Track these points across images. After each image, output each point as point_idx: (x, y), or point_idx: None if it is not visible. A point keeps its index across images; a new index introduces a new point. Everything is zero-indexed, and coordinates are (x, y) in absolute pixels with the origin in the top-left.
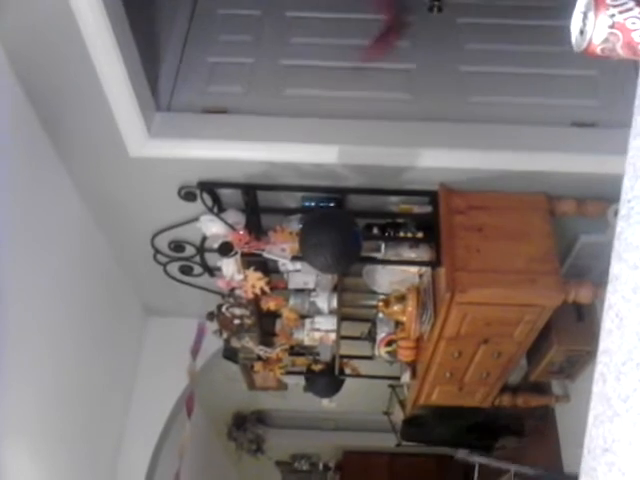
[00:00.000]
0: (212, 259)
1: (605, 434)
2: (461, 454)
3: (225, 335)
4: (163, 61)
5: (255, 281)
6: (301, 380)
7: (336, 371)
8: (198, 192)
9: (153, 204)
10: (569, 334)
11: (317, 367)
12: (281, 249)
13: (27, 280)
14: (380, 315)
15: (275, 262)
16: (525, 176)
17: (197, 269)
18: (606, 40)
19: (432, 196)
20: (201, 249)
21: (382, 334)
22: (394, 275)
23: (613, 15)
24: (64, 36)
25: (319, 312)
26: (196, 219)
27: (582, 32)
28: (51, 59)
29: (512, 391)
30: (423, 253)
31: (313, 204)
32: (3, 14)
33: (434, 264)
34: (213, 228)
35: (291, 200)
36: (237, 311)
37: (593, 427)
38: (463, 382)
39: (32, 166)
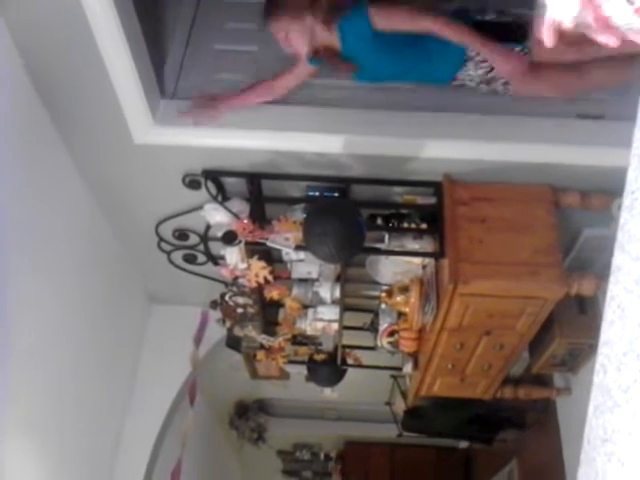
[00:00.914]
0: (216, 248)
1: (605, 424)
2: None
3: (228, 324)
4: (169, 48)
5: (258, 270)
6: (303, 370)
7: (338, 361)
8: (202, 180)
9: (157, 192)
10: (571, 327)
11: (319, 357)
12: (285, 238)
13: (29, 269)
14: (383, 306)
15: (279, 251)
16: (529, 168)
17: (201, 257)
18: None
19: (436, 187)
20: (205, 237)
21: (384, 325)
22: (397, 266)
23: None
24: (70, 22)
25: (322, 302)
26: (200, 207)
27: None
28: (57, 44)
29: (514, 383)
30: (426, 244)
31: (317, 194)
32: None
33: (437, 255)
34: (217, 217)
35: (295, 189)
36: (240, 300)
37: (593, 417)
38: (465, 373)
39: (36, 153)
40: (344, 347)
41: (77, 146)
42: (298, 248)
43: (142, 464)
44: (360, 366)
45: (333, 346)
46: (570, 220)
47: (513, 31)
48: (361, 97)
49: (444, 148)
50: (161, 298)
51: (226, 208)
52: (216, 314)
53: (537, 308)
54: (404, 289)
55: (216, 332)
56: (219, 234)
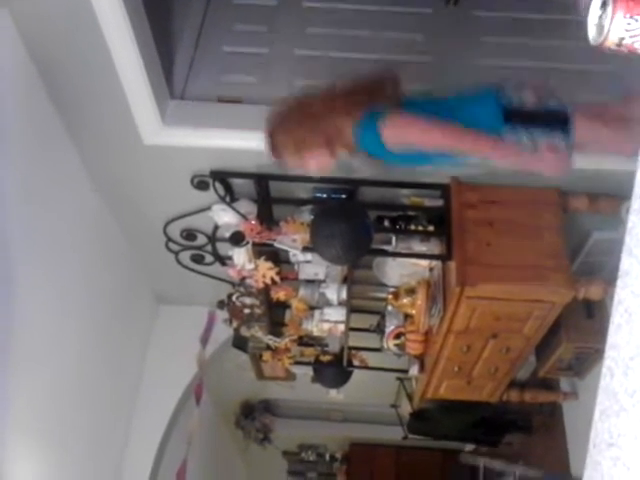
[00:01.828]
0: (223, 248)
1: (611, 428)
2: (465, 458)
3: (235, 324)
4: (178, 49)
5: (266, 271)
6: (309, 371)
7: (344, 362)
8: (211, 181)
9: (166, 192)
10: (578, 331)
11: (325, 358)
12: (292, 240)
13: (38, 268)
14: (389, 308)
15: (286, 252)
16: None
17: (208, 258)
18: (622, 39)
19: (444, 189)
20: (213, 238)
21: (391, 327)
22: (404, 268)
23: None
24: (80, 23)
25: (328, 303)
26: (208, 208)
27: (599, 26)
28: (66, 45)
29: (520, 387)
30: (434, 246)
31: (325, 195)
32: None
33: (444, 258)
34: (225, 217)
35: (303, 191)
36: (247, 300)
37: (599, 421)
38: (471, 376)
39: (46, 153)
40: (350, 349)
41: (86, 147)
42: (305, 249)
43: (148, 463)
44: (366, 368)
45: (339, 347)
46: (578, 223)
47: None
48: None
49: None
50: (168, 298)
51: (234, 209)
52: (223, 314)
53: (544, 312)
54: (411, 291)
55: (223, 332)
56: (227, 235)
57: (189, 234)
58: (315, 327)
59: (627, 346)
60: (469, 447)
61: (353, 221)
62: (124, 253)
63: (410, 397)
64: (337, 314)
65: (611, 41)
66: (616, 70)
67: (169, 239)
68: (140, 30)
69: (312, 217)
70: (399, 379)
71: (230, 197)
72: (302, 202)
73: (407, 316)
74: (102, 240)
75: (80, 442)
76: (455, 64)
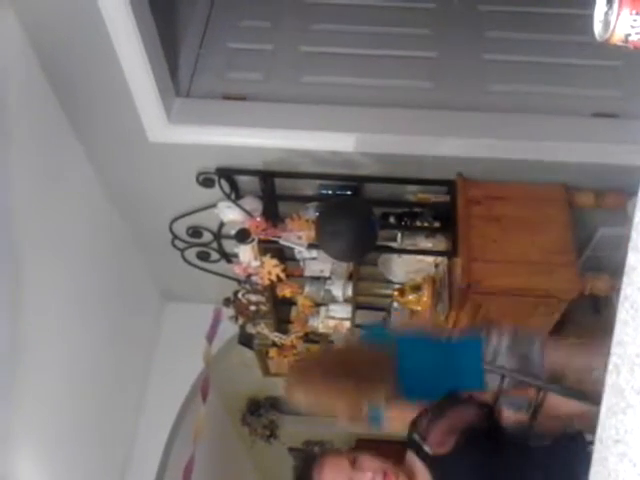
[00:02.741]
0: (229, 245)
1: (617, 425)
2: None
3: (241, 321)
4: (183, 47)
5: (271, 268)
6: None
7: None
8: (216, 178)
9: (171, 190)
10: (585, 327)
11: None
12: (297, 236)
13: (44, 267)
14: (395, 304)
15: (291, 249)
16: (544, 166)
17: (214, 255)
18: (628, 35)
19: (450, 186)
20: (218, 235)
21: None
22: (410, 264)
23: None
24: (85, 22)
25: (334, 300)
26: (214, 205)
27: (605, 22)
28: (71, 43)
29: None
30: (439, 243)
31: (330, 192)
32: None
33: (450, 254)
34: (230, 214)
35: (308, 188)
36: (253, 297)
37: (606, 418)
38: None
39: (52, 151)
40: None
41: (92, 144)
42: (311, 246)
43: (155, 460)
44: None
45: None
46: (585, 219)
47: None
48: (375, 96)
49: (458, 146)
50: (174, 295)
51: (239, 206)
52: (229, 311)
53: (550, 308)
54: (416, 288)
55: (229, 329)
56: (232, 232)
57: (195, 231)
58: (321, 324)
59: (633, 343)
60: None
61: (358, 218)
62: (130, 251)
63: None
64: (343, 311)
65: (617, 38)
66: (620, 66)
67: (175, 236)
68: (145, 28)
69: (317, 214)
70: None
71: (235, 194)
72: (307, 199)
73: (413, 312)
74: (108, 238)
75: (87, 439)
76: (460, 59)
